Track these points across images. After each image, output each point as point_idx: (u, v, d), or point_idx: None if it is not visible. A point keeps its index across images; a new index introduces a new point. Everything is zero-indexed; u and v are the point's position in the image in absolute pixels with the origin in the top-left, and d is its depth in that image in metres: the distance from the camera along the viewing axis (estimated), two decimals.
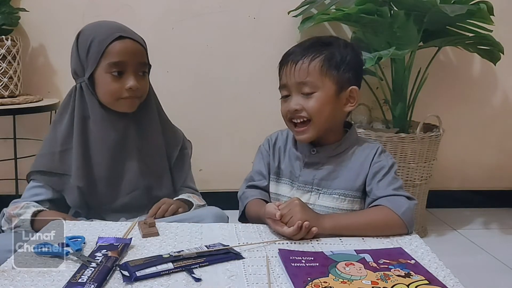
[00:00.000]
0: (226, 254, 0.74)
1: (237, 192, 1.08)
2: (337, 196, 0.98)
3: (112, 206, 1.07)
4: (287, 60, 0.99)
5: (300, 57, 0.97)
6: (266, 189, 1.06)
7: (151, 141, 1.12)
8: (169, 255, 0.71)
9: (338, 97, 0.97)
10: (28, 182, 1.08)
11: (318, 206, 0.99)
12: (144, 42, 1.10)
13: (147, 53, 1.10)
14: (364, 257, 0.72)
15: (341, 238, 0.83)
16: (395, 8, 1.80)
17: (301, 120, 0.97)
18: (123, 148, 1.08)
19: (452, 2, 1.77)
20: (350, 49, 0.99)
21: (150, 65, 1.13)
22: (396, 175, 0.97)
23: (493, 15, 1.72)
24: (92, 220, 1.02)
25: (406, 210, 0.88)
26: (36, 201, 1.04)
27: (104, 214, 1.08)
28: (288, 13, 2.02)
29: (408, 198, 0.92)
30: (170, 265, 0.69)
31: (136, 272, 0.66)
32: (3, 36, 1.81)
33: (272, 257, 0.74)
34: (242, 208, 1.03)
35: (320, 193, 1.00)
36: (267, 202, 1.01)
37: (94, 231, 0.84)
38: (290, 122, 1.00)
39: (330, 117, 0.97)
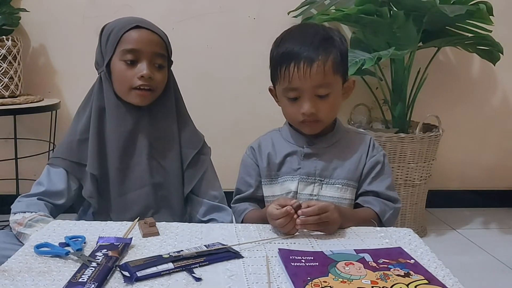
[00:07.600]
0: (225, 253, 0.74)
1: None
2: (340, 186, 0.98)
3: (120, 201, 1.07)
4: (298, 60, 0.92)
5: (314, 58, 0.91)
6: (253, 196, 1.05)
7: (164, 137, 1.10)
8: (168, 255, 0.71)
9: (342, 90, 0.99)
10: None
11: (321, 197, 0.98)
12: (166, 37, 1.09)
13: (167, 47, 1.08)
14: (363, 257, 0.72)
15: (340, 238, 0.83)
16: (394, 9, 1.80)
17: (313, 120, 0.96)
18: (135, 141, 1.07)
19: (451, 2, 1.77)
20: (343, 39, 0.99)
21: (172, 61, 1.12)
22: (388, 167, 1.01)
23: (492, 15, 1.72)
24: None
25: (389, 217, 0.96)
26: (50, 191, 1.04)
27: (113, 207, 1.07)
28: (288, 13, 2.03)
29: (395, 201, 0.98)
30: (170, 265, 0.69)
31: (137, 273, 0.66)
32: (4, 36, 1.82)
33: (272, 256, 0.75)
34: (239, 220, 1.03)
35: (323, 184, 0.99)
36: (261, 207, 1.03)
37: (94, 231, 0.85)
38: (299, 122, 0.98)
39: (337, 112, 1.01)
